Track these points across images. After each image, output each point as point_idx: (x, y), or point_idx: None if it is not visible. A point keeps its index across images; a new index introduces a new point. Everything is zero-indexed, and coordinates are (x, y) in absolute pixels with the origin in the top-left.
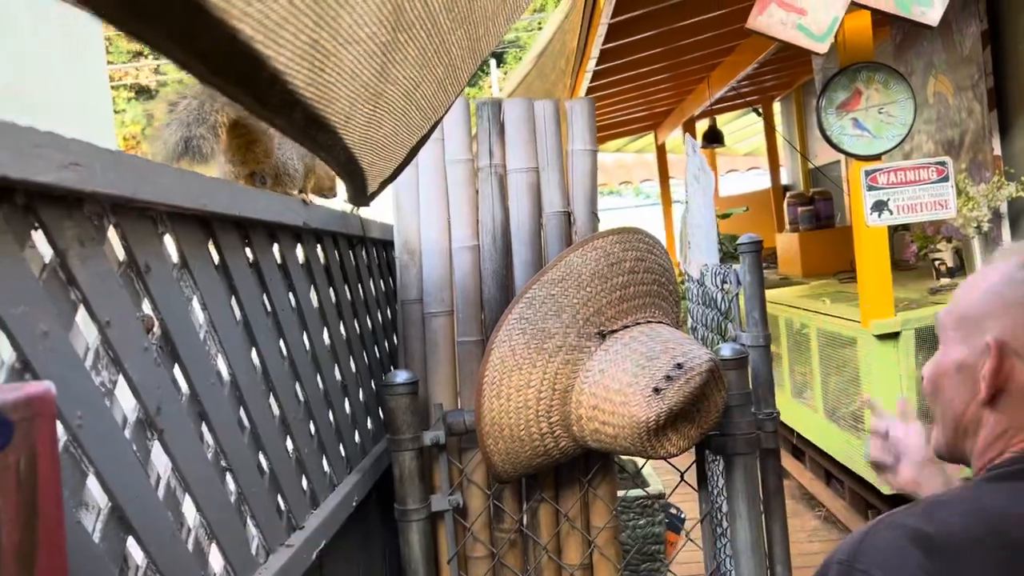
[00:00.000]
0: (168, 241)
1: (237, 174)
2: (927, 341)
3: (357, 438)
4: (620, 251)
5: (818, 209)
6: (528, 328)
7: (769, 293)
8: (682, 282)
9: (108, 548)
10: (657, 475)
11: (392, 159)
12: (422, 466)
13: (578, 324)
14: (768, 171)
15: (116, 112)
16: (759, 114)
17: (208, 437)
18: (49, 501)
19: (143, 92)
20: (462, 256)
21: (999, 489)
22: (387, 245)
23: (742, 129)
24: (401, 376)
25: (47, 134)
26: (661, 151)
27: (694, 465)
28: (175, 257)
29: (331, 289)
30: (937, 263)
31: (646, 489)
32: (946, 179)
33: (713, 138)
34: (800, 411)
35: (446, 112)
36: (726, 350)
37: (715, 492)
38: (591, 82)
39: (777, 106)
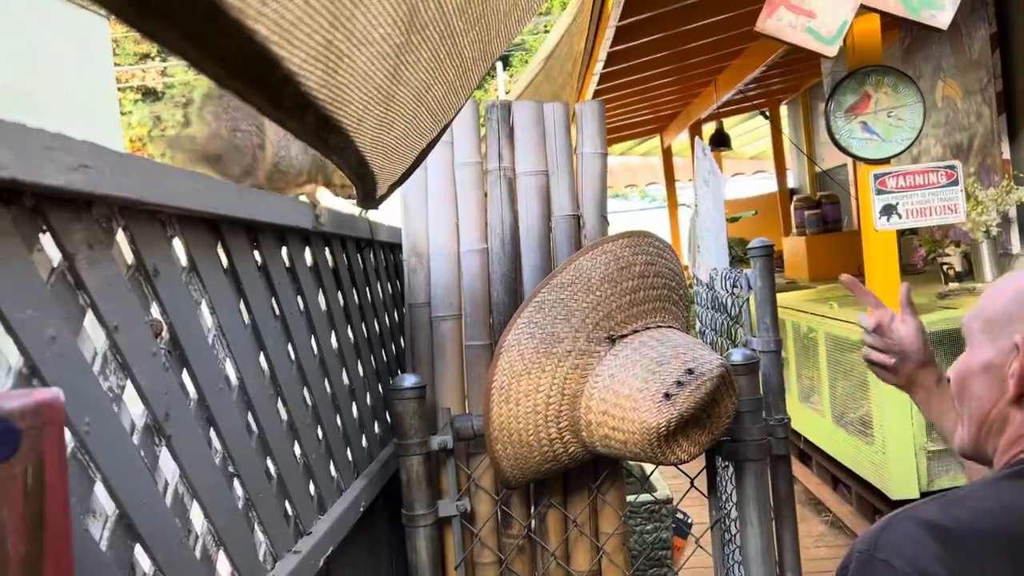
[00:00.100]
0: (177, 244)
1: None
2: (936, 346)
3: (364, 443)
4: (630, 255)
5: (825, 213)
6: (537, 332)
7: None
8: (690, 286)
9: (115, 556)
10: (664, 480)
11: (402, 162)
12: (429, 471)
13: (588, 328)
14: (774, 175)
15: (123, 114)
16: (766, 117)
17: (216, 442)
18: (56, 510)
19: (150, 94)
20: (470, 259)
21: (1017, 486)
22: (395, 248)
23: (748, 132)
24: (409, 380)
25: (57, 136)
26: (667, 154)
27: (704, 471)
28: (184, 260)
29: (339, 292)
30: (945, 267)
31: (653, 494)
32: (955, 183)
33: (720, 141)
34: (807, 416)
35: (456, 115)
36: (737, 355)
37: (724, 498)
38: (598, 85)
39: (784, 109)
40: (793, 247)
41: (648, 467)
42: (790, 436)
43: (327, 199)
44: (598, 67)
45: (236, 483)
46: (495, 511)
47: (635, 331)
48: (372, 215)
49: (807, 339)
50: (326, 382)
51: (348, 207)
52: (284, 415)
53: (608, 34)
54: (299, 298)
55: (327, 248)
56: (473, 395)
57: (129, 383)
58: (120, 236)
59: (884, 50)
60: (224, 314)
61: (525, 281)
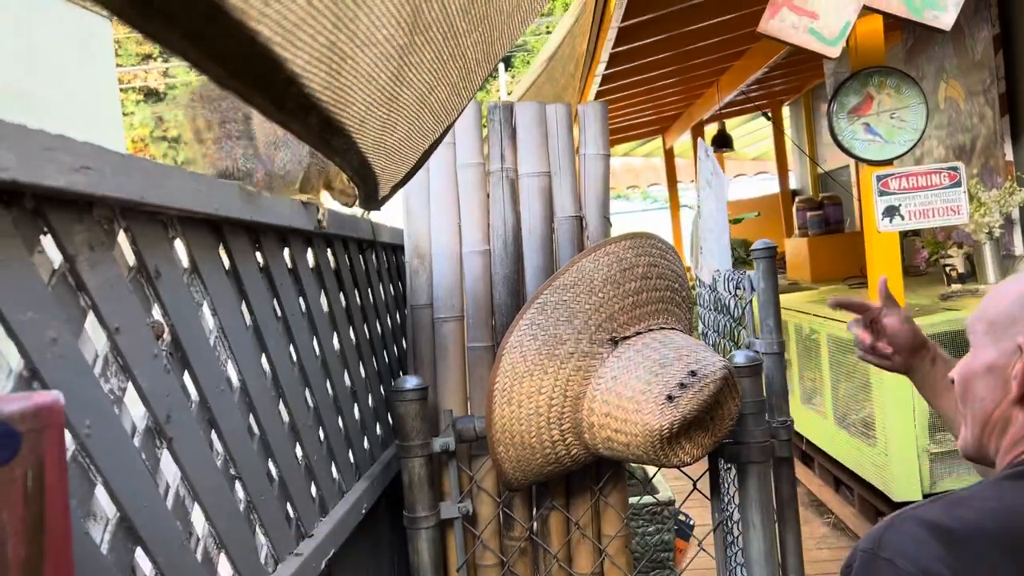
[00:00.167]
0: (178, 245)
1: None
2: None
3: (366, 444)
4: (633, 256)
5: (827, 214)
6: (539, 334)
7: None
8: (693, 287)
9: (116, 559)
10: (666, 481)
11: (404, 163)
12: (431, 473)
13: (590, 330)
14: (777, 176)
15: (125, 115)
16: (768, 118)
17: (217, 445)
18: (56, 514)
19: (152, 95)
20: (473, 261)
21: (1018, 486)
22: (397, 249)
23: (751, 133)
24: (410, 382)
25: (57, 137)
26: (669, 155)
27: (706, 473)
28: (185, 262)
29: (341, 294)
30: (948, 269)
31: (655, 496)
32: (958, 184)
33: (722, 142)
34: (809, 417)
35: (458, 116)
36: (740, 357)
37: (727, 500)
38: (600, 86)
39: (786, 110)
40: (795, 248)
41: (650, 469)
42: (792, 438)
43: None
44: (600, 68)
45: (237, 485)
46: (497, 513)
47: (638, 333)
48: (374, 216)
49: (809, 340)
50: (328, 384)
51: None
52: (286, 417)
53: (610, 35)
54: (301, 299)
55: (329, 249)
56: (475, 397)
57: (130, 385)
58: (121, 237)
59: (887, 51)
60: (226, 316)
61: (527, 283)
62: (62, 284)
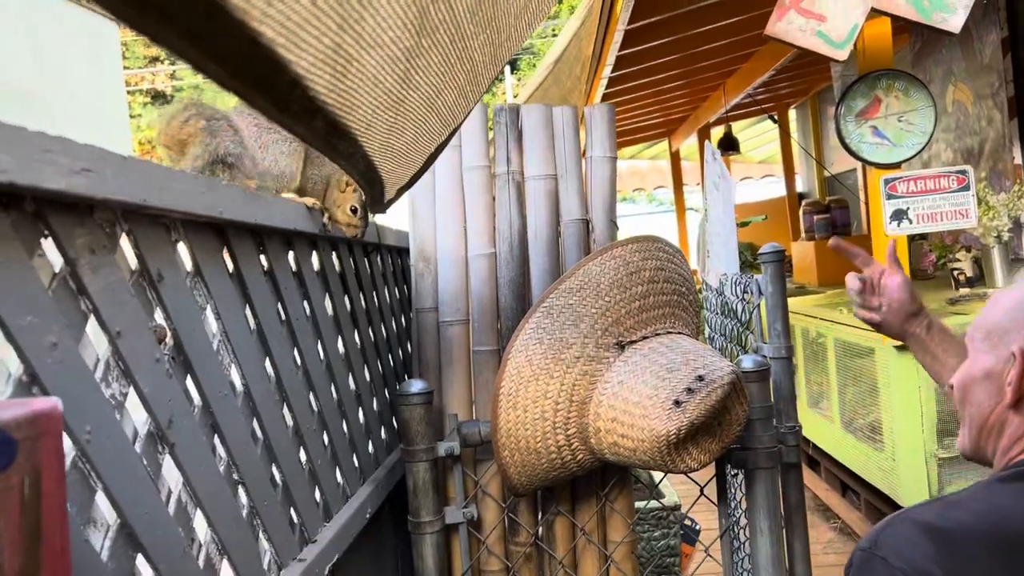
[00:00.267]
0: (182, 249)
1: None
2: None
3: (371, 448)
4: (639, 260)
5: (834, 217)
6: (545, 338)
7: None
8: (700, 291)
9: (117, 566)
10: (672, 486)
11: (410, 166)
12: (436, 478)
13: (596, 334)
14: (783, 179)
15: (132, 117)
16: (775, 121)
17: (220, 450)
18: (53, 523)
19: (159, 97)
20: (478, 264)
21: (1011, 488)
22: (402, 252)
23: (757, 136)
24: (415, 386)
25: (57, 139)
26: (675, 158)
27: (713, 479)
28: (189, 265)
29: (346, 297)
30: (956, 273)
31: (661, 501)
32: (967, 188)
33: (728, 145)
34: (816, 421)
35: (465, 119)
36: (748, 362)
37: (734, 506)
38: (606, 88)
39: (792, 113)
40: (802, 252)
41: (657, 474)
42: (800, 443)
43: None
44: (607, 71)
45: (240, 491)
46: (502, 518)
47: (644, 337)
48: (379, 219)
49: (816, 344)
50: (332, 388)
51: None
52: (290, 421)
53: (617, 37)
54: (305, 303)
55: (334, 252)
56: (480, 401)
57: (132, 390)
58: (123, 241)
59: (895, 55)
60: (229, 319)
61: (533, 286)
62: (63, 288)
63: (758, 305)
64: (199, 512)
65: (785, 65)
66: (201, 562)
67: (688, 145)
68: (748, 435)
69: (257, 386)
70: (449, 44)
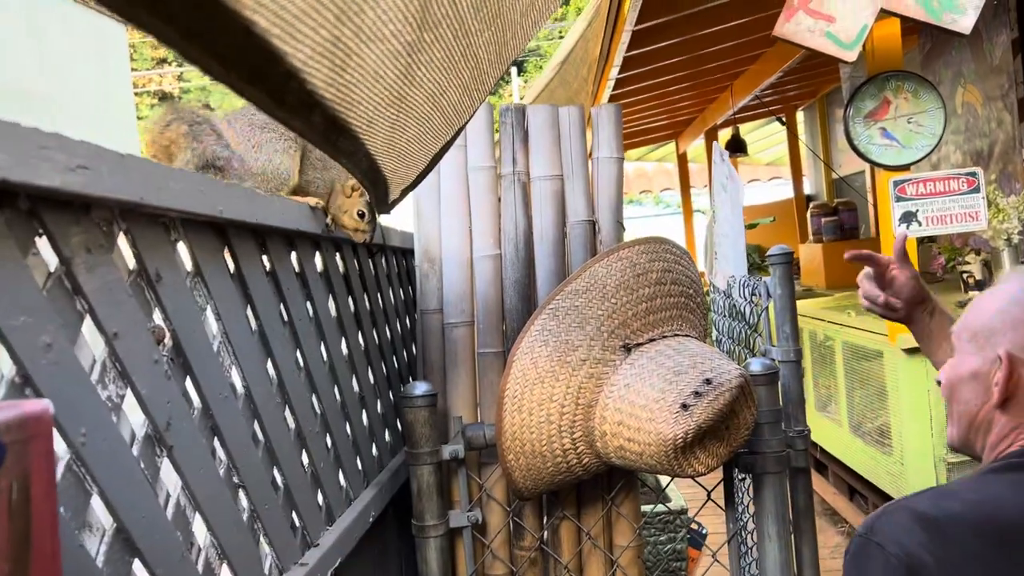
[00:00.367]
0: (181, 249)
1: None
2: None
3: (375, 451)
4: (646, 262)
5: (842, 220)
6: (551, 340)
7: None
8: (707, 293)
9: (112, 572)
10: (678, 490)
11: (415, 166)
12: (440, 481)
13: (603, 336)
14: (791, 181)
15: (139, 118)
16: (783, 123)
17: (220, 452)
18: (43, 528)
19: (166, 99)
20: (484, 265)
21: (1001, 479)
22: (407, 254)
23: (764, 139)
24: (420, 388)
25: (52, 135)
26: (682, 160)
27: (721, 483)
28: (188, 265)
29: (350, 298)
30: (965, 275)
31: (668, 505)
32: (977, 190)
33: (736, 147)
34: (824, 425)
35: (470, 118)
36: (756, 365)
37: (741, 510)
38: (613, 90)
39: (800, 115)
40: (810, 254)
41: (663, 478)
42: (809, 448)
43: None
44: (613, 72)
45: (241, 494)
46: (507, 522)
47: (651, 339)
48: (384, 220)
49: (824, 347)
50: (336, 390)
51: None
52: (292, 424)
53: (624, 38)
54: (308, 304)
55: (338, 253)
56: (485, 403)
57: (129, 392)
58: (121, 240)
59: (904, 56)
60: (230, 320)
61: (539, 287)
62: (58, 287)
63: (766, 307)
64: (198, 516)
65: (793, 67)
66: (200, 567)
67: (695, 147)
68: (756, 439)
69: (258, 388)
70: (452, 40)
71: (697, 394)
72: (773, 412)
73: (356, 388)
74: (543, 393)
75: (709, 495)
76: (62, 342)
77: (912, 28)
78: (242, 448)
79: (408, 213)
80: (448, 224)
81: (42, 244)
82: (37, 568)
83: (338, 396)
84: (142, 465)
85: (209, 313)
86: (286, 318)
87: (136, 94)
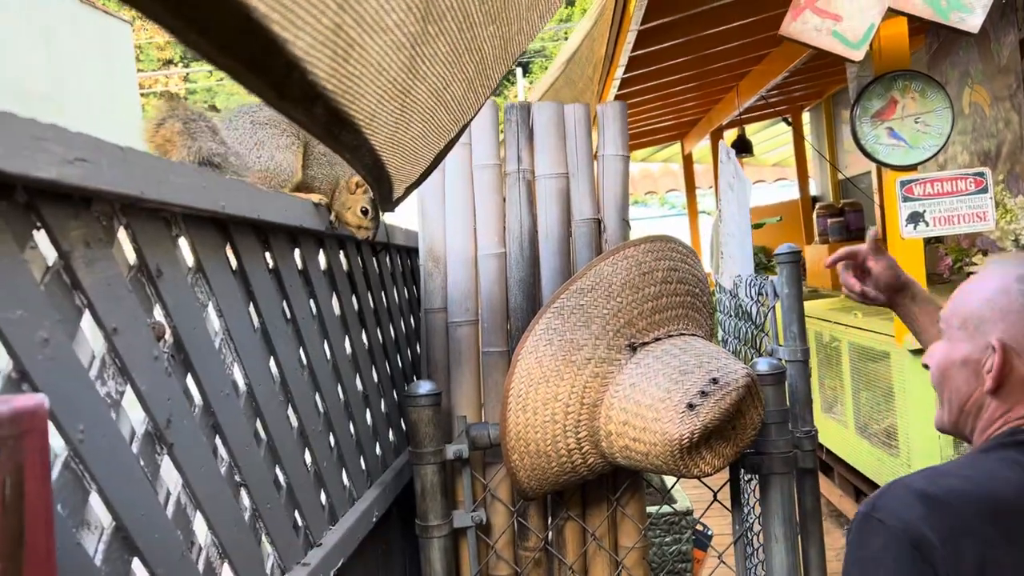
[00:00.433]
0: (183, 244)
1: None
2: None
3: (378, 450)
4: (652, 260)
5: (848, 220)
6: (556, 339)
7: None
8: (713, 293)
9: (111, 570)
10: (684, 491)
11: (419, 163)
12: (444, 481)
13: (608, 335)
14: (796, 182)
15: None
16: (789, 124)
17: (222, 451)
18: (37, 525)
19: (173, 99)
20: (488, 264)
21: (991, 458)
22: (411, 252)
23: (770, 139)
24: (424, 387)
25: (49, 127)
26: (688, 161)
27: (727, 484)
28: (190, 261)
29: (354, 296)
30: None
31: (673, 506)
32: (985, 190)
33: (742, 147)
34: (830, 426)
35: (475, 115)
36: (763, 365)
37: (748, 512)
38: (618, 90)
39: (806, 116)
40: (816, 255)
41: (669, 479)
42: (816, 449)
43: None
44: (619, 72)
45: (243, 492)
46: (511, 523)
47: (657, 339)
48: (388, 218)
49: (830, 348)
50: (339, 388)
51: None
52: (295, 422)
53: (629, 38)
54: (312, 301)
55: (342, 251)
56: (490, 403)
57: (129, 388)
58: (122, 235)
59: (911, 56)
60: (232, 317)
61: (544, 286)
62: (56, 282)
63: (773, 307)
64: (199, 514)
65: (799, 67)
66: (201, 566)
67: (700, 148)
68: (763, 439)
69: (261, 386)
70: (457, 33)
71: (703, 394)
72: (780, 412)
73: (360, 387)
74: (548, 392)
75: (715, 496)
76: (60, 337)
77: (919, 28)
78: (244, 446)
79: (412, 211)
80: (452, 222)
81: (40, 238)
82: (31, 566)
83: (341, 395)
84: (142, 463)
85: (211, 310)
86: (289, 316)
87: (142, 95)
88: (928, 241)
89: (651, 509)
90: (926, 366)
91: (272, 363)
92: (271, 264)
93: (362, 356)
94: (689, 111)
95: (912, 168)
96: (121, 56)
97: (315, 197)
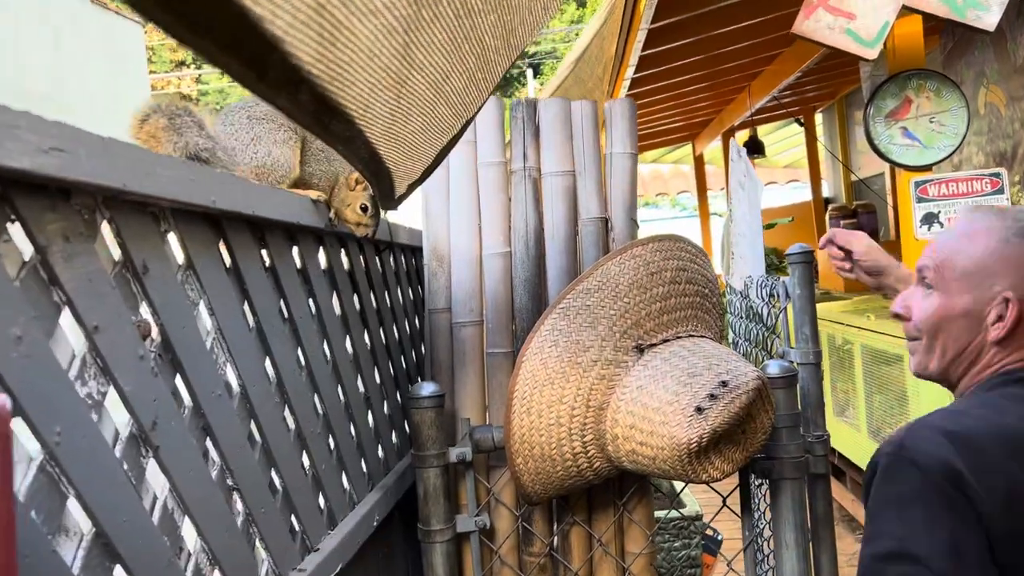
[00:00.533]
0: (172, 240)
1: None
2: None
3: (380, 453)
4: (660, 260)
5: (861, 222)
6: (561, 340)
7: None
8: (724, 295)
9: None
10: (693, 495)
11: (420, 159)
12: (447, 484)
13: (615, 337)
14: (808, 184)
15: None
16: (801, 124)
17: (213, 453)
18: None
19: (184, 100)
20: (493, 263)
21: (996, 395)
22: (415, 251)
23: (782, 141)
24: (427, 388)
25: (22, 114)
26: (699, 162)
27: (737, 489)
28: (180, 258)
29: (355, 296)
30: None
31: (682, 510)
32: (1001, 191)
33: (754, 148)
34: (842, 430)
35: (478, 111)
36: (774, 367)
37: (758, 517)
38: (629, 90)
39: (819, 117)
40: (828, 258)
41: (678, 483)
42: (828, 453)
43: None
44: (629, 71)
45: (236, 497)
46: (516, 527)
47: (665, 340)
48: (392, 217)
49: (842, 351)
50: (339, 389)
51: None
52: (292, 424)
53: (640, 37)
54: (311, 301)
55: (343, 249)
56: (494, 405)
57: (112, 389)
58: (105, 229)
59: (925, 56)
60: (225, 316)
61: (550, 286)
62: (32, 277)
63: (784, 308)
64: (187, 519)
65: (812, 67)
66: (190, 572)
67: (712, 149)
68: (774, 444)
69: (255, 387)
70: (454, 19)
71: (712, 397)
72: (791, 416)
73: (361, 388)
74: (553, 395)
75: (724, 501)
76: (35, 334)
77: (934, 27)
78: (237, 449)
79: (417, 210)
80: (457, 221)
81: (15, 231)
82: None
83: (342, 396)
84: (125, 466)
85: (202, 308)
86: (286, 315)
87: (154, 97)
88: None
89: (659, 513)
90: (898, 315)
91: (268, 363)
92: (267, 262)
93: (364, 357)
94: (700, 112)
95: (927, 168)
96: (133, 58)
97: (313, 193)
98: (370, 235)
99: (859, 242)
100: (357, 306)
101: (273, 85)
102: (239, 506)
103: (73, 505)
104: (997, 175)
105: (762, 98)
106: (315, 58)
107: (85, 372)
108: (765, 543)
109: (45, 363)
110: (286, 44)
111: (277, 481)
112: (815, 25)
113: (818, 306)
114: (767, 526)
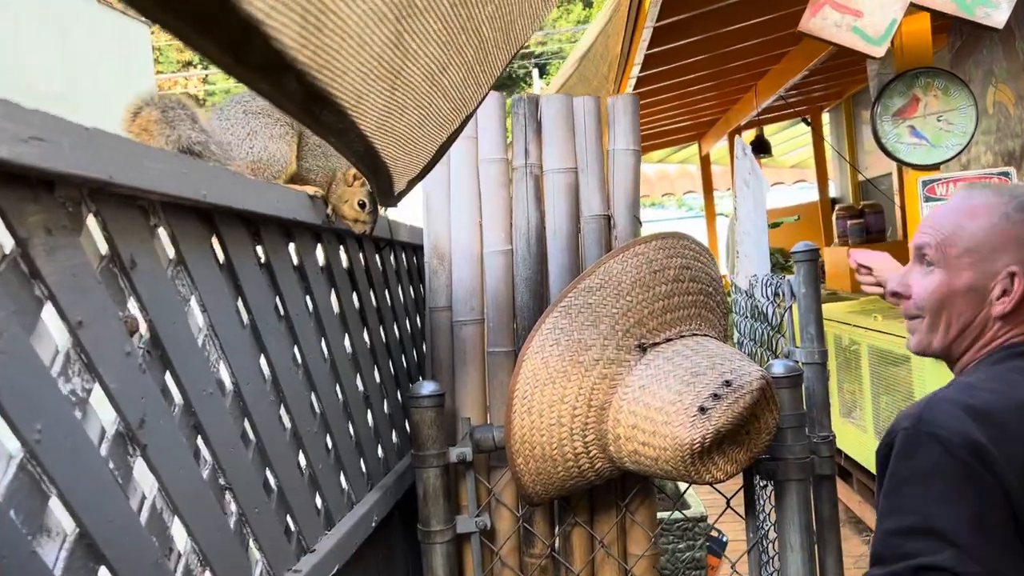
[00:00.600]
0: (162, 235)
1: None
2: None
3: (380, 453)
4: (664, 258)
5: (868, 222)
6: (563, 339)
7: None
8: (728, 294)
9: None
10: (697, 495)
11: (418, 154)
12: (448, 484)
13: (617, 336)
14: (815, 184)
15: None
16: (808, 124)
17: (205, 452)
18: None
19: (192, 100)
20: (494, 261)
21: (1004, 368)
22: (416, 249)
23: (789, 140)
24: (427, 387)
25: (0, 101)
26: (705, 162)
27: (741, 491)
28: (171, 252)
29: (354, 294)
30: None
31: (685, 512)
32: None
33: (760, 148)
34: (848, 431)
35: (478, 105)
36: (778, 367)
37: (762, 518)
38: (634, 88)
39: (826, 116)
40: (835, 257)
41: (681, 484)
42: (834, 454)
43: None
44: (635, 70)
45: (228, 496)
46: (517, 528)
47: (668, 339)
48: (392, 214)
49: (849, 352)
50: (337, 388)
51: None
52: (288, 423)
53: (645, 35)
54: (308, 298)
55: (341, 247)
56: (495, 404)
57: (97, 386)
58: (92, 223)
59: (933, 54)
60: (218, 313)
61: (551, 284)
62: (12, 270)
63: (790, 307)
64: (176, 519)
65: (818, 66)
66: (179, 573)
67: (718, 149)
68: (778, 444)
69: (249, 385)
70: (449, 8)
71: (715, 396)
72: (796, 416)
73: (360, 387)
74: (554, 394)
75: (728, 503)
76: (14, 329)
77: (942, 25)
78: (229, 448)
79: (418, 207)
80: (458, 218)
81: None
82: None
83: (340, 395)
84: (111, 465)
85: (193, 304)
86: (282, 312)
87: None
88: None
89: (663, 515)
90: (895, 294)
91: (263, 361)
92: (262, 258)
93: (363, 355)
94: (706, 111)
95: (934, 168)
96: (139, 58)
97: (310, 189)
98: (368, 232)
99: (883, 255)
100: (356, 304)
101: (253, 69)
102: (232, 506)
103: (56, 505)
104: (1006, 174)
105: (768, 97)
106: (300, 43)
107: (69, 368)
108: (770, 545)
109: (25, 358)
110: (268, 27)
111: (272, 481)
112: (822, 23)
113: (825, 307)
114: (772, 528)
